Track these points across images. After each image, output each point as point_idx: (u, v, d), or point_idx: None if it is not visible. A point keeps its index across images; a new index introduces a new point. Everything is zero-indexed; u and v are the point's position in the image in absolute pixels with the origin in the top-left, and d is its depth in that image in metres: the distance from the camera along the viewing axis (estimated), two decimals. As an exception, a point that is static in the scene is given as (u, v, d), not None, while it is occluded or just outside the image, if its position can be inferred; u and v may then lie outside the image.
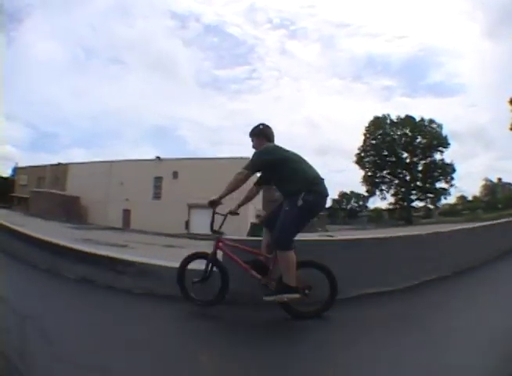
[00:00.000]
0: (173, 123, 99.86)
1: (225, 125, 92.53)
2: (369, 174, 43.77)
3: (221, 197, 2.52)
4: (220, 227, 2.69)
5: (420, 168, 43.74)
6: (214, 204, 2.56)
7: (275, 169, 2.52)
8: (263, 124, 2.78)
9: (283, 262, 2.38)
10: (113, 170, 32.61)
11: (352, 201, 61.00)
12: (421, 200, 43.72)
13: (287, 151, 2.60)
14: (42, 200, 32.96)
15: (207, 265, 2.64)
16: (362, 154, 43.81)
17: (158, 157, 31.25)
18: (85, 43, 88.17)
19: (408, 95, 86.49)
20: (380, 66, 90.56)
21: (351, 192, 60.69)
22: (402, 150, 43.67)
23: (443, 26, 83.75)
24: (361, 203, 56.57)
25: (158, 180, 31.10)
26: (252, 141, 2.77)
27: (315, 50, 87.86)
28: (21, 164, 46.56)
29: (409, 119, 43.25)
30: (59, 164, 37.55)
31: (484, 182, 54.40)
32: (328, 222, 43.95)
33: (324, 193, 2.50)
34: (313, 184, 2.44)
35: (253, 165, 2.53)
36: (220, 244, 2.66)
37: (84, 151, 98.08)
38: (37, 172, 39.94)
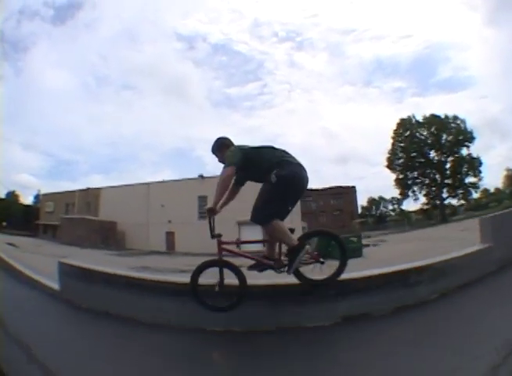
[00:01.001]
0: (190, 144, 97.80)
1: (243, 143, 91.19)
2: (401, 176, 43.32)
3: (216, 203, 2.50)
4: (213, 230, 2.63)
5: (448, 166, 43.53)
6: (212, 211, 2.52)
7: (247, 162, 2.56)
8: (219, 138, 2.86)
9: (271, 234, 2.50)
10: (151, 192, 31.15)
11: (381, 206, 60.63)
12: (453, 197, 43.46)
13: (253, 147, 2.70)
14: (75, 226, 31.16)
15: (219, 271, 2.59)
16: (392, 157, 43.34)
17: (201, 176, 29.94)
18: (96, 70, 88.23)
19: (419, 95, 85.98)
20: (388, 69, 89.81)
21: (380, 197, 60.38)
22: (430, 150, 43.39)
23: (445, 20, 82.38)
24: (394, 206, 56.17)
25: (203, 199, 29.64)
26: (217, 156, 2.83)
27: (323, 59, 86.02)
28: (43, 191, 44.72)
29: (434, 118, 43.13)
30: (88, 188, 35.79)
31: (506, 173, 54.52)
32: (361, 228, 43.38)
33: (297, 165, 2.53)
34: (283, 160, 2.51)
35: (232, 161, 2.52)
36: (222, 245, 2.63)
37: (104, 177, 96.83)
38: (64, 198, 38.01)
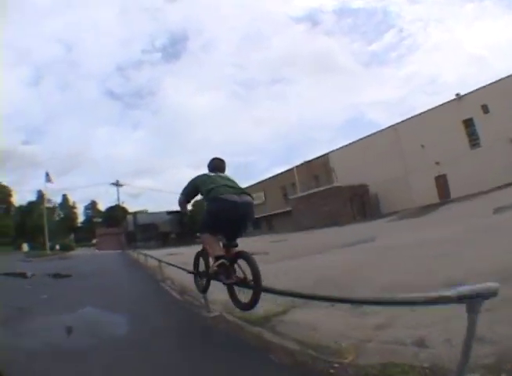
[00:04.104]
0: (358, 111, 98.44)
1: (405, 93, 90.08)
2: None
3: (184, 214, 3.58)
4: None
5: None
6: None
7: (199, 190, 3.16)
8: (212, 158, 3.41)
9: (202, 243, 3.19)
10: (401, 135, 27.33)
11: None
12: None
13: (205, 175, 3.21)
14: (317, 203, 28.12)
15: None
16: None
17: (457, 95, 25.00)
18: (237, 79, 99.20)
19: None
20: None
21: None
22: None
23: None
24: None
25: (469, 123, 25.16)
26: None
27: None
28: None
29: None
30: (307, 161, 32.68)
31: None
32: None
33: (221, 200, 2.82)
34: (210, 195, 2.90)
35: (183, 191, 3.31)
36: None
37: (281, 166, 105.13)
38: (278, 182, 35.29)
